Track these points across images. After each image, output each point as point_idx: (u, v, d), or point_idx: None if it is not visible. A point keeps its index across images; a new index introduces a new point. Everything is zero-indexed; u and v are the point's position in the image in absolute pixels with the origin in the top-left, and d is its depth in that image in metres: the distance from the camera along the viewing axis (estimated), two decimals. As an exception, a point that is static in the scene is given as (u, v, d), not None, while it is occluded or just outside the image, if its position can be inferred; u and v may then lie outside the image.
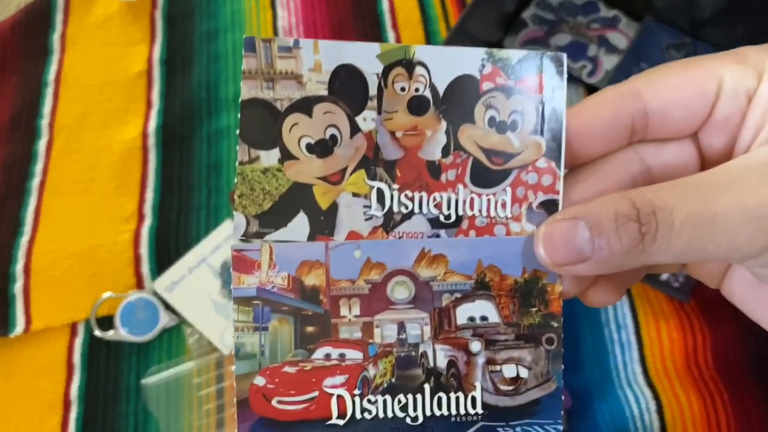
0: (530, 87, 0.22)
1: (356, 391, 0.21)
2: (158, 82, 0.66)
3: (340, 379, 0.21)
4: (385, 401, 0.21)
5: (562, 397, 0.21)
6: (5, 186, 0.60)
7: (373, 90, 0.22)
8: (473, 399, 0.21)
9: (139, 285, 0.55)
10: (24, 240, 0.57)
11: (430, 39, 0.68)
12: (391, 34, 0.68)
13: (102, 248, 0.57)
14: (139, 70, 0.66)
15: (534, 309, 0.21)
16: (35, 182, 0.60)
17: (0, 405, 0.51)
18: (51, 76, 0.66)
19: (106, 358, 0.53)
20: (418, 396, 0.21)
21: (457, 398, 0.21)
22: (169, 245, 0.57)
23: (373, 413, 0.21)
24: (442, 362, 0.21)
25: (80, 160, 0.61)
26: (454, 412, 0.21)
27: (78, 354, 0.53)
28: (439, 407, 0.21)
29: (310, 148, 0.22)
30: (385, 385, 0.21)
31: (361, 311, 0.21)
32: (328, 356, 0.21)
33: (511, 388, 0.21)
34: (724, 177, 0.20)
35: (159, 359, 0.52)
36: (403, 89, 0.22)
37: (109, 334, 0.52)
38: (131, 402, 0.51)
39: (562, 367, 0.21)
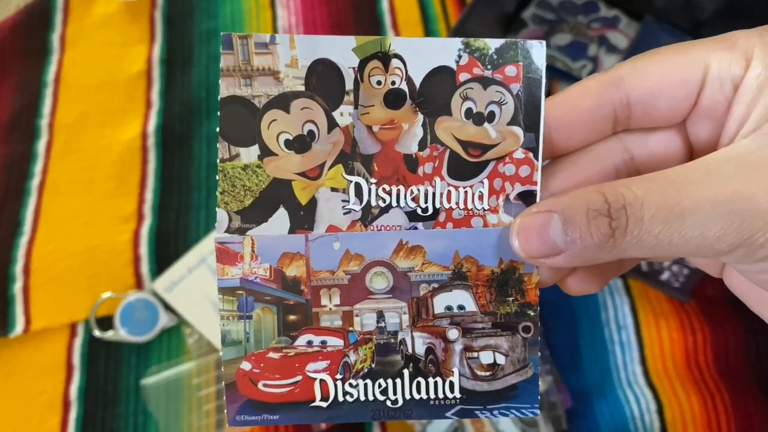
0: (508, 77, 0.22)
1: (338, 376, 0.22)
2: (158, 82, 0.66)
3: (322, 364, 0.22)
4: (366, 385, 0.22)
5: (539, 383, 0.22)
6: (5, 186, 0.60)
7: (349, 84, 0.22)
8: (451, 384, 0.22)
9: (139, 285, 0.55)
10: (23, 240, 0.57)
11: (429, 39, 0.68)
12: (390, 34, 0.68)
13: (101, 248, 0.57)
14: (139, 70, 0.66)
15: (511, 298, 0.22)
16: (35, 182, 0.60)
17: (0, 405, 0.51)
18: (50, 76, 0.66)
19: (105, 358, 0.52)
20: (398, 381, 0.22)
21: (435, 383, 0.22)
22: (168, 245, 0.57)
23: (355, 396, 0.22)
24: (420, 349, 0.22)
25: (80, 160, 0.61)
26: (432, 396, 0.22)
27: (77, 354, 0.53)
28: (418, 391, 0.22)
29: (288, 144, 0.22)
30: (366, 370, 0.22)
31: (341, 301, 0.22)
32: (310, 343, 0.22)
33: (488, 374, 0.22)
34: (700, 170, 0.20)
35: (158, 360, 0.52)
36: (379, 83, 0.22)
37: (109, 335, 0.52)
38: (131, 402, 0.51)
39: (539, 354, 0.22)
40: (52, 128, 0.63)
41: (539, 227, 0.20)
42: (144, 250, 0.57)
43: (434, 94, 0.22)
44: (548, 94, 0.63)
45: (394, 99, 0.22)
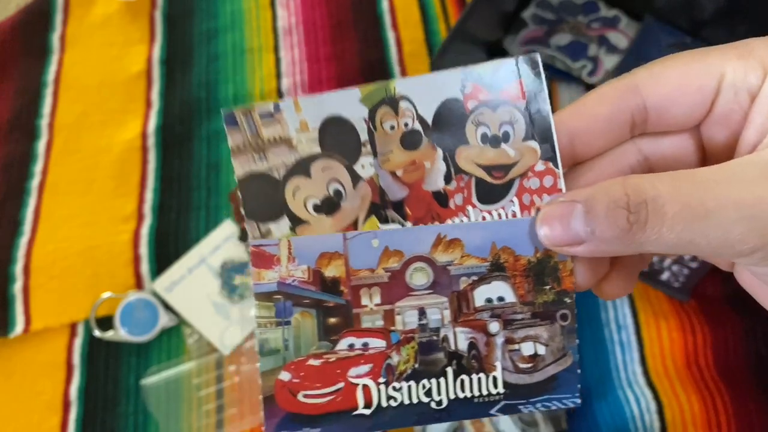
0: (513, 95, 0.22)
1: (381, 380, 0.21)
2: (158, 82, 0.66)
3: (364, 368, 0.21)
4: (409, 387, 0.21)
5: (578, 371, 0.22)
6: (5, 186, 0.60)
7: (364, 135, 0.22)
8: (494, 379, 0.21)
9: (139, 285, 0.55)
10: (23, 240, 0.57)
11: (430, 39, 0.68)
12: (390, 34, 0.68)
13: (101, 248, 0.57)
14: (139, 70, 0.66)
15: (548, 287, 0.22)
16: (35, 182, 0.60)
17: (0, 405, 0.51)
18: (50, 76, 0.66)
19: (105, 358, 0.52)
20: (442, 380, 0.21)
21: (479, 379, 0.21)
22: (168, 245, 0.57)
23: (399, 400, 0.21)
24: (463, 345, 0.21)
25: (80, 160, 0.61)
26: (476, 393, 0.21)
27: (77, 354, 0.53)
28: (462, 389, 0.21)
29: (317, 208, 0.22)
30: (409, 371, 0.21)
31: (382, 299, 0.21)
32: (351, 346, 0.21)
33: (529, 365, 0.21)
34: (724, 173, 0.20)
35: (158, 359, 0.52)
36: (392, 127, 0.22)
37: (109, 335, 0.52)
38: (131, 402, 0.51)
39: (577, 341, 0.22)
40: (52, 128, 0.63)
41: (562, 216, 0.21)
42: (144, 250, 0.57)
43: (448, 126, 0.22)
44: (549, 94, 0.63)
45: (410, 140, 0.22)
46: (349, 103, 0.22)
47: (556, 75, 0.61)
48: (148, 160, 0.61)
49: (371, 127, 0.22)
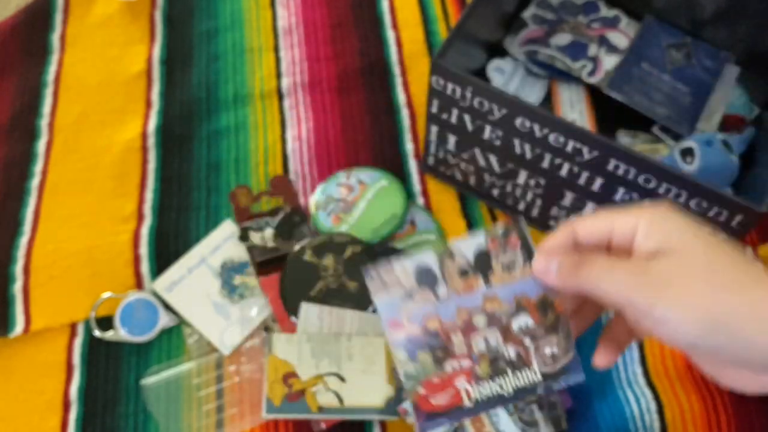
0: (513, 243, 0.36)
1: (473, 384, 0.35)
2: (158, 82, 0.66)
3: (463, 378, 0.35)
4: (490, 385, 0.35)
5: (579, 359, 0.36)
6: (5, 186, 0.60)
7: (439, 275, 0.36)
8: (534, 372, 0.35)
9: (139, 285, 0.55)
10: (23, 240, 0.57)
11: (430, 39, 0.68)
12: (390, 34, 0.68)
13: (101, 248, 0.57)
14: (139, 70, 0.66)
15: (550, 313, 0.36)
16: (35, 182, 0.60)
17: (0, 405, 0.51)
18: (50, 76, 0.66)
19: (105, 358, 0.52)
20: (506, 377, 0.35)
21: (526, 374, 0.35)
22: (168, 245, 0.57)
23: (485, 394, 0.35)
24: (513, 355, 0.35)
25: (80, 160, 0.61)
26: (527, 382, 0.35)
27: (77, 354, 0.53)
28: (519, 381, 0.35)
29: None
30: (487, 376, 0.35)
31: (463, 337, 0.35)
32: (453, 368, 0.35)
33: (551, 360, 0.36)
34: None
35: (158, 359, 0.52)
36: (450, 267, 0.36)
37: (109, 335, 0.52)
38: (131, 402, 0.51)
39: (573, 342, 0.36)
40: (52, 128, 0.63)
41: (538, 264, 0.35)
42: (144, 250, 0.57)
43: (482, 265, 0.36)
44: (549, 93, 0.63)
45: (463, 274, 0.35)
46: (430, 260, 0.35)
47: (556, 75, 0.61)
48: (148, 160, 0.61)
49: (441, 270, 0.35)
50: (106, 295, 0.54)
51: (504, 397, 0.35)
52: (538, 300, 0.36)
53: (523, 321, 0.36)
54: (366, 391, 0.48)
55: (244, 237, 0.56)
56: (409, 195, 0.59)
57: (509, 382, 0.35)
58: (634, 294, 0.30)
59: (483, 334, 0.36)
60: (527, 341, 0.36)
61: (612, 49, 0.61)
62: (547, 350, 0.36)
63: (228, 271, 0.55)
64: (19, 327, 0.53)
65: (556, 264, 0.33)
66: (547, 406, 0.47)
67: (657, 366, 0.51)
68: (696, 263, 0.30)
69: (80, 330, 0.54)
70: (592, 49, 0.61)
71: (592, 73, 0.60)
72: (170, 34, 0.69)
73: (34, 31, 0.69)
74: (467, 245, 0.36)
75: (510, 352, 0.35)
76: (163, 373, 0.51)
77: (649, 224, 0.31)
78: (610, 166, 0.45)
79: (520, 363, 0.36)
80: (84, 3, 0.71)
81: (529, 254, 0.36)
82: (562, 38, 0.61)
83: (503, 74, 0.62)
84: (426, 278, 0.35)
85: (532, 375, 0.36)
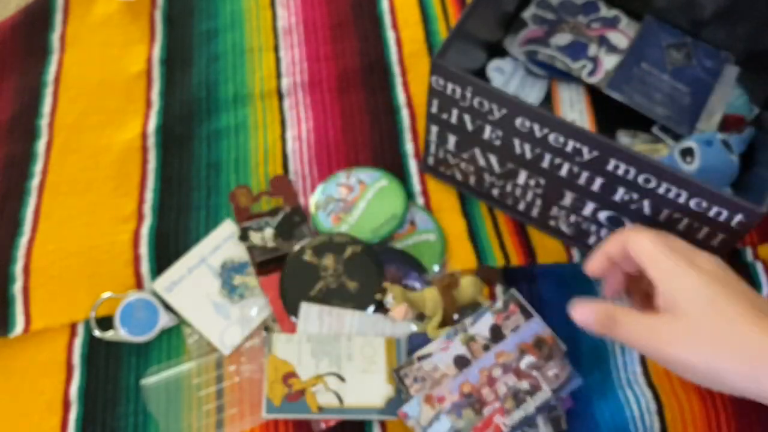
0: (514, 309, 0.50)
1: (506, 416, 0.46)
2: (158, 81, 0.66)
3: (498, 415, 0.46)
4: (517, 413, 0.46)
5: (574, 370, 0.48)
6: (5, 186, 0.60)
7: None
8: (545, 391, 0.47)
9: (139, 285, 0.55)
10: (23, 240, 0.57)
11: (430, 39, 0.68)
12: (390, 34, 0.68)
13: (101, 248, 0.57)
14: (139, 70, 0.66)
15: (544, 347, 0.48)
16: (35, 182, 0.60)
17: (0, 405, 0.51)
18: (50, 76, 0.66)
19: (105, 358, 0.52)
20: (527, 404, 0.46)
21: (540, 395, 0.47)
22: (168, 245, 0.57)
23: (516, 419, 0.46)
24: (527, 386, 0.47)
25: (80, 160, 0.61)
26: (542, 401, 0.47)
27: (77, 354, 0.53)
28: (536, 402, 0.46)
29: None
30: (513, 407, 0.46)
31: (489, 388, 0.47)
32: (488, 412, 0.46)
33: (555, 379, 0.47)
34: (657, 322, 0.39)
35: (158, 359, 0.52)
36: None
37: (109, 335, 0.52)
38: (131, 402, 0.51)
39: (568, 361, 0.48)
40: (52, 128, 0.63)
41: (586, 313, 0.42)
42: (144, 250, 0.57)
43: (497, 336, 0.49)
44: (549, 93, 0.63)
45: (485, 349, 0.48)
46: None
47: (556, 75, 0.61)
48: (148, 160, 0.61)
49: (470, 351, 0.49)
50: (106, 295, 0.54)
51: (528, 417, 0.46)
52: (534, 341, 0.48)
53: (527, 360, 0.48)
54: (366, 391, 0.48)
55: (244, 237, 0.56)
56: (409, 195, 0.59)
57: (530, 406, 0.46)
58: (647, 349, 0.39)
59: (502, 380, 0.47)
60: (534, 373, 0.47)
61: (612, 49, 0.61)
62: (550, 373, 0.47)
63: (228, 271, 0.55)
64: (19, 327, 0.53)
65: (593, 317, 0.41)
66: (547, 406, 0.47)
67: (657, 366, 0.51)
68: (700, 328, 0.37)
69: (80, 330, 0.54)
70: (592, 49, 0.61)
71: (592, 73, 0.60)
72: (170, 34, 0.69)
73: (34, 31, 0.69)
74: (481, 325, 0.49)
75: (524, 385, 0.47)
76: (163, 373, 0.51)
77: (664, 283, 0.39)
78: (610, 166, 0.45)
79: (534, 390, 0.47)
80: (84, 3, 0.71)
81: (526, 314, 0.50)
82: (562, 38, 0.61)
83: (503, 74, 0.62)
84: (461, 362, 0.48)
85: (544, 394, 0.47)
